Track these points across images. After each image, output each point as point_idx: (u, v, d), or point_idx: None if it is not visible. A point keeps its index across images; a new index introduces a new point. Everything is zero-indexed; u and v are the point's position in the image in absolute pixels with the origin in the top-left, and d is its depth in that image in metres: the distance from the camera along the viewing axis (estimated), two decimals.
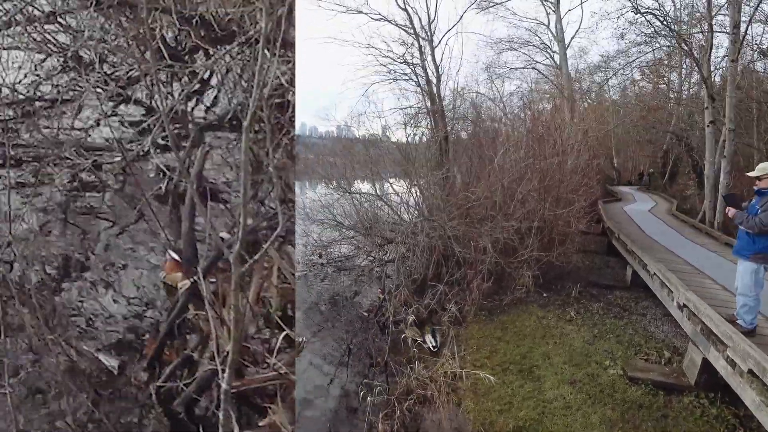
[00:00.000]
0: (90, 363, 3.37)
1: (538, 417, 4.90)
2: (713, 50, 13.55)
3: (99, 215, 4.15)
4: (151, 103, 4.65)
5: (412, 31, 13.03)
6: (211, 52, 4.61)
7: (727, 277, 6.27)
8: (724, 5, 12.55)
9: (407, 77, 12.91)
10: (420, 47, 13.04)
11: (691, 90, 20.23)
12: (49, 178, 4.20)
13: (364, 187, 10.83)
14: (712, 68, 13.92)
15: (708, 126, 13.31)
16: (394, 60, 12.82)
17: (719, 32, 13.33)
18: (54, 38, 4.79)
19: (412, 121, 12.02)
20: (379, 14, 13.13)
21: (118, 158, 4.30)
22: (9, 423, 2.91)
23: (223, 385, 2.51)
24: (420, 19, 13.09)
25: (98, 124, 4.56)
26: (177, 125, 4.35)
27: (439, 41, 13.31)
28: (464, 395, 5.45)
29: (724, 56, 14.59)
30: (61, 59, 4.72)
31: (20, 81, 4.68)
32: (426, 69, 12.90)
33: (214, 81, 4.83)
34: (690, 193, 18.60)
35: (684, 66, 19.82)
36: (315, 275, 10.11)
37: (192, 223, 3.92)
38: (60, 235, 3.99)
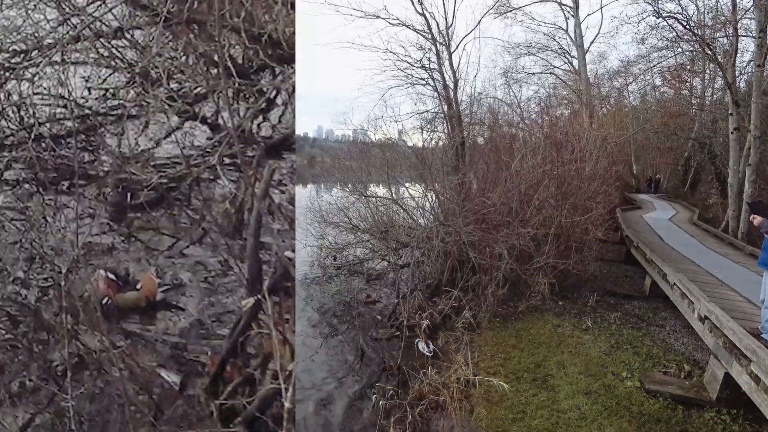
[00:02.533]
0: (151, 378, 3.39)
1: (552, 427, 4.83)
2: (738, 55, 13.27)
3: (163, 232, 4.15)
4: (217, 120, 4.64)
5: (429, 35, 13.07)
6: (278, 71, 4.65)
7: (751, 289, 6.12)
8: (750, 8, 12.27)
9: (424, 82, 12.94)
10: (437, 52, 13.06)
11: (714, 96, 19.79)
12: (114, 193, 4.25)
13: (380, 191, 10.87)
14: (737, 73, 13.61)
15: (732, 133, 12.99)
16: (412, 65, 12.87)
17: (745, 36, 13.05)
18: (121, 54, 4.80)
19: (428, 126, 12.04)
20: (397, 19, 13.19)
21: (184, 175, 4.30)
22: None
23: (286, 404, 2.51)
24: (437, 24, 13.12)
25: (164, 141, 4.60)
26: (243, 143, 4.32)
27: (457, 46, 13.31)
28: (477, 402, 5.41)
29: (749, 61, 14.27)
30: (128, 75, 4.75)
31: (86, 96, 4.75)
32: (443, 74, 12.92)
33: (279, 100, 4.82)
34: (712, 202, 18.13)
35: (707, 71, 19.39)
36: (329, 278, 10.17)
37: (257, 241, 3.83)
38: (124, 251, 4.02)
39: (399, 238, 9.72)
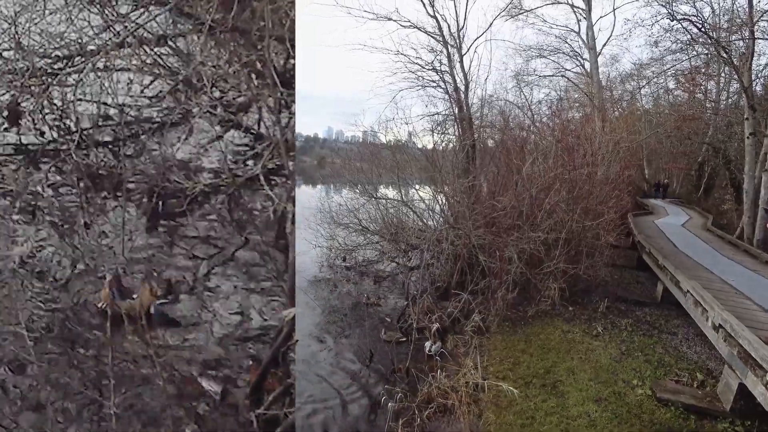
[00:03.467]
0: (192, 387, 3.39)
1: None
2: (755, 58, 13.05)
3: (208, 240, 4.15)
4: (259, 129, 4.65)
5: (441, 38, 13.09)
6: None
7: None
8: (767, 11, 12.08)
9: (435, 84, 12.95)
10: (449, 54, 13.08)
11: (729, 99, 19.48)
12: (156, 200, 4.26)
13: (390, 192, 10.89)
14: (753, 77, 13.39)
15: (748, 137, 12.79)
16: (423, 67, 12.90)
17: (762, 39, 12.83)
18: (164, 61, 4.82)
19: (439, 128, 12.04)
20: (409, 21, 13.25)
21: (227, 183, 4.32)
22: None
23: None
24: (449, 27, 13.14)
25: (207, 149, 4.61)
26: (287, 152, 4.32)
27: (468, 48, 13.32)
28: (486, 407, 5.40)
29: (766, 64, 14.05)
30: (171, 82, 4.76)
31: (129, 103, 4.78)
32: (454, 76, 12.94)
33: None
34: (727, 208, 17.85)
35: (723, 74, 19.08)
36: (339, 279, 10.21)
37: (294, 252, 3.85)
38: (168, 258, 4.03)
39: (409, 241, 9.72)
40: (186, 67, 4.58)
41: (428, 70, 13.06)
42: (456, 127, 12.64)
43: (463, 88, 12.95)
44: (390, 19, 13.35)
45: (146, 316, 3.70)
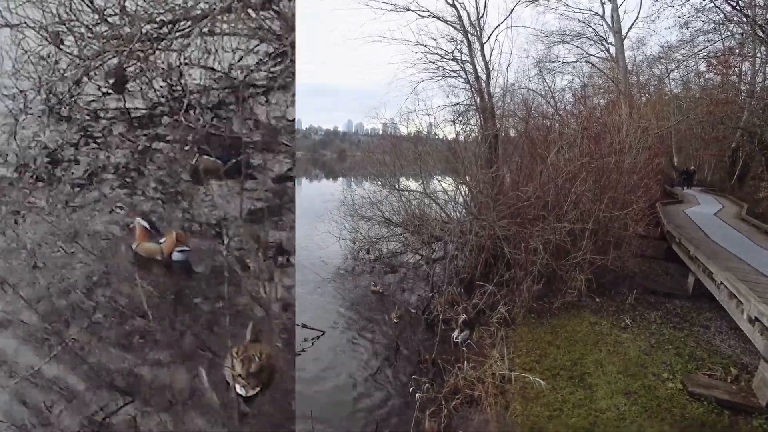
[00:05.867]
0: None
1: (590, 426, 4.80)
2: None
3: None
4: None
5: (460, 27, 12.88)
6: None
7: None
8: None
9: (456, 74, 12.79)
10: (469, 43, 12.86)
11: (766, 81, 18.57)
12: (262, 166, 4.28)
13: (411, 184, 10.89)
14: None
15: None
16: (443, 57, 12.73)
17: None
18: (269, 25, 4.78)
19: (460, 118, 11.92)
20: (428, 11, 13.06)
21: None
22: None
23: None
24: (468, 15, 12.89)
25: None
26: None
27: (488, 37, 13.05)
28: (512, 398, 5.43)
29: None
30: (276, 46, 4.73)
31: (234, 66, 4.77)
32: (475, 65, 12.73)
33: None
34: (762, 196, 17.12)
35: (759, 55, 18.19)
36: (363, 271, 10.33)
37: None
38: (276, 221, 3.94)
39: (432, 232, 9.72)
40: (290, 31, 4.54)
41: (448, 59, 12.91)
42: (478, 116, 12.48)
43: (484, 77, 12.74)
44: (409, 10, 13.21)
45: (166, 260, 3.80)
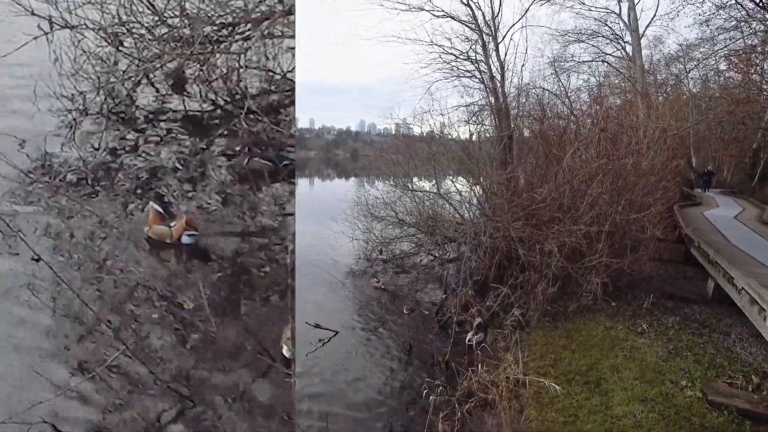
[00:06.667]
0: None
1: None
2: None
3: None
4: None
5: (475, 26, 12.79)
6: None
7: None
8: None
9: (470, 74, 12.71)
10: (483, 43, 12.77)
11: None
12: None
13: (425, 185, 10.87)
14: None
15: None
16: (457, 57, 12.67)
17: None
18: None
19: (475, 119, 11.85)
20: (442, 11, 12.99)
21: None
22: None
23: None
24: (483, 14, 12.79)
25: None
26: None
27: (503, 36, 12.93)
28: (527, 403, 5.38)
29: None
30: None
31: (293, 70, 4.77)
32: (490, 65, 12.63)
33: None
34: None
35: None
36: (376, 271, 10.35)
37: None
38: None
39: (446, 233, 9.69)
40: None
41: (463, 59, 12.83)
42: (492, 117, 12.39)
43: (498, 77, 12.65)
44: (423, 9, 13.15)
45: (176, 243, 3.95)
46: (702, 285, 9.02)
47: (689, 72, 20.85)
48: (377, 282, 9.30)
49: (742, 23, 14.15)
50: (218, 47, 4.62)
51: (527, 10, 13.69)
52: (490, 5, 13.01)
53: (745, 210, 16.09)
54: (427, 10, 13.09)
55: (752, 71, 19.48)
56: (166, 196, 4.16)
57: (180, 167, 4.44)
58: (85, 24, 4.76)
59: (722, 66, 20.04)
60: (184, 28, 4.61)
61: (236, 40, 4.62)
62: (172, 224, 3.95)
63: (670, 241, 11.50)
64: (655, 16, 22.10)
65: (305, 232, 14.17)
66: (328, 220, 11.81)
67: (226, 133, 4.57)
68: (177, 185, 4.32)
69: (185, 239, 3.95)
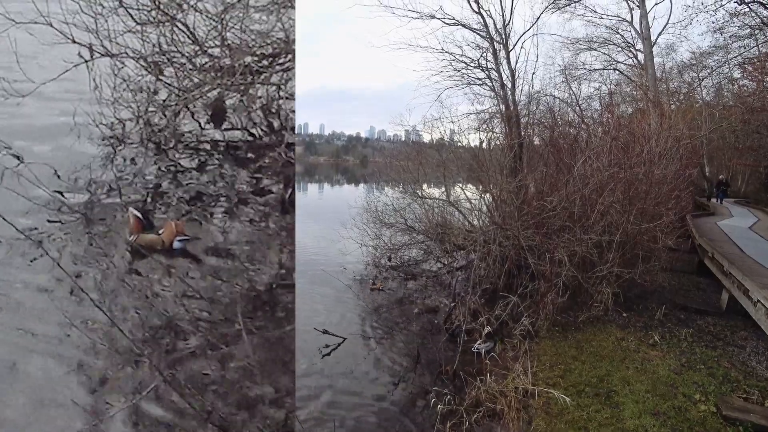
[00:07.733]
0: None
1: None
2: None
3: None
4: None
5: (486, 34, 12.83)
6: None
7: None
8: None
9: (481, 82, 12.73)
10: (494, 51, 12.79)
11: None
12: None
13: (434, 192, 10.88)
14: None
15: None
16: (468, 65, 12.70)
17: None
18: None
19: (485, 126, 11.85)
20: (453, 18, 13.06)
21: None
22: None
23: None
24: (494, 22, 12.83)
25: None
26: None
27: (514, 44, 12.94)
28: (535, 414, 5.31)
29: None
30: None
31: None
32: (501, 73, 12.64)
33: None
34: None
35: None
36: (386, 278, 10.35)
37: None
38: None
39: (455, 241, 9.66)
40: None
41: (473, 67, 12.87)
42: (503, 125, 12.38)
43: (509, 85, 12.65)
44: (434, 17, 13.23)
45: (166, 250, 3.87)
46: (715, 296, 8.88)
47: (702, 80, 20.71)
48: (374, 284, 9.29)
49: (757, 31, 14.03)
50: (258, 78, 4.63)
51: (538, 18, 13.75)
52: (501, 13, 13.07)
53: (760, 220, 15.82)
54: (439, 18, 13.20)
55: (767, 79, 19.25)
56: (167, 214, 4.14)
57: (222, 196, 4.43)
58: (126, 53, 4.76)
59: (736, 74, 19.90)
60: (225, 58, 4.63)
61: (276, 71, 4.62)
62: (160, 231, 3.90)
63: (683, 251, 11.36)
64: (667, 24, 22.00)
65: (314, 236, 14.30)
66: (337, 226, 11.86)
67: (266, 162, 4.59)
68: (220, 214, 4.30)
69: (176, 245, 3.89)
